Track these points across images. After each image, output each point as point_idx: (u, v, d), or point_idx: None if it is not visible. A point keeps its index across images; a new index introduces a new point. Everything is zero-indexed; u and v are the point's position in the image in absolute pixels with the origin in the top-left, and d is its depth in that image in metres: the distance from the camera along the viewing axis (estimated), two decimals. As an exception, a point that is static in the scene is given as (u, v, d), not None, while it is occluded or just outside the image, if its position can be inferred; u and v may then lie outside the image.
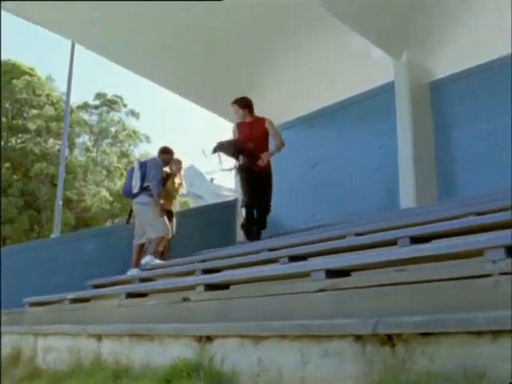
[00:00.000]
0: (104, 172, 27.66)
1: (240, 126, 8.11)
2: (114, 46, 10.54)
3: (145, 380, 3.47)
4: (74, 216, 25.30)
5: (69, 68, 16.64)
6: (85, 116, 29.33)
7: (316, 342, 2.75)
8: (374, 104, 9.44)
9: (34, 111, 26.42)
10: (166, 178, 8.90)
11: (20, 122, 26.27)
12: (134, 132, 29.92)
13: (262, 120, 8.06)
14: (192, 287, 4.91)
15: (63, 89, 23.85)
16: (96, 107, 29.46)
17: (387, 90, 9.02)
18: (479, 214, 4.82)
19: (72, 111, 27.11)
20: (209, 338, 3.40)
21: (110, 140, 29.81)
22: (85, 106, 29.16)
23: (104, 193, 26.30)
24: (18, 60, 27.14)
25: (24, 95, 26.47)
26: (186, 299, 4.87)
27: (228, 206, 11.60)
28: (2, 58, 23.96)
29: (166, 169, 8.97)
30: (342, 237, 5.72)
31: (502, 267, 2.87)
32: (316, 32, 9.45)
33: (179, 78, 11.09)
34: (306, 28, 9.41)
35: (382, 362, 2.46)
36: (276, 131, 8.15)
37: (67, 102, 17.46)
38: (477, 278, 2.94)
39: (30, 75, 26.83)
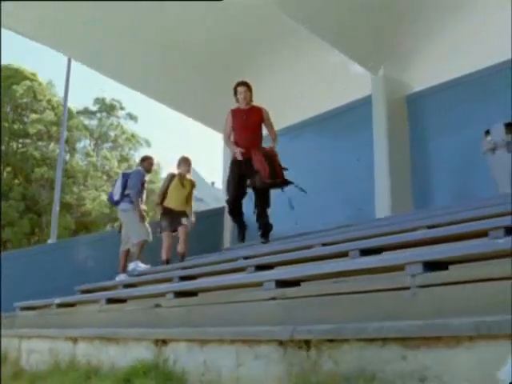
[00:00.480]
0: (104, 177, 28.07)
1: (235, 114, 7.72)
2: (110, 63, 10.98)
3: (107, 381, 3.84)
4: (75, 220, 25.73)
5: (66, 73, 17.02)
6: (85, 121, 29.73)
7: (248, 346, 3.12)
8: (353, 117, 9.83)
9: (35, 116, 26.84)
10: (170, 180, 9.22)
11: (21, 126, 26.67)
12: (133, 136, 30.32)
13: (258, 109, 7.71)
14: (163, 294, 5.30)
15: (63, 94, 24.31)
16: (95, 112, 29.87)
17: (365, 103, 9.39)
18: (430, 227, 5.19)
19: (73, 116, 27.57)
20: (164, 342, 3.78)
21: (110, 144, 30.20)
22: (85, 112, 29.56)
23: (104, 197, 26.68)
24: (21, 66, 27.59)
25: (25, 100, 26.90)
26: (157, 305, 5.25)
27: (216, 214, 12.00)
28: (4, 62, 24.43)
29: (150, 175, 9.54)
30: (310, 247, 6.11)
31: (420, 281, 3.25)
32: (300, 50, 9.86)
33: (171, 90, 11.52)
34: (292, 46, 9.82)
35: (299, 365, 2.83)
36: (271, 123, 7.81)
37: (65, 106, 17.84)
38: (399, 290, 3.33)
39: (31, 80, 27.27)
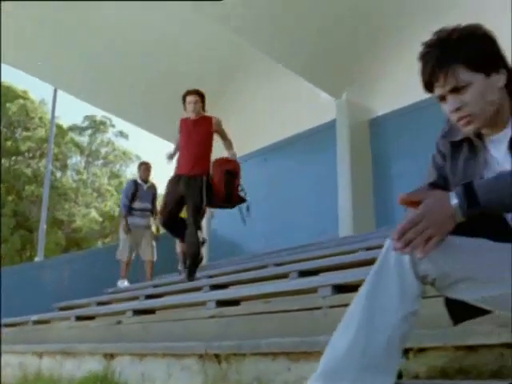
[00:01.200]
0: (94, 194, 28.57)
1: (183, 124, 6.94)
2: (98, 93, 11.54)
3: (63, 391, 4.34)
4: (65, 236, 26.21)
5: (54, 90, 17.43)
6: (76, 138, 30.23)
7: (176, 359, 3.62)
8: (319, 140, 10.35)
9: (26, 133, 27.38)
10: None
11: (13, 144, 27.19)
12: (125, 153, 30.84)
13: (207, 119, 6.85)
14: (124, 312, 5.80)
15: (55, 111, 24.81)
16: (84, 129, 30.36)
17: (330, 127, 9.91)
18: (368, 249, 5.71)
19: (64, 133, 28.10)
20: (112, 356, 4.27)
21: (101, 161, 30.72)
22: (74, 128, 30.04)
23: (94, 213, 27.20)
24: (12, 84, 28.13)
25: (17, 118, 27.44)
26: (119, 322, 5.75)
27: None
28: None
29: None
30: (264, 266, 6.65)
31: (330, 302, 3.75)
32: (268, 76, 10.43)
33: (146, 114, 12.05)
34: (260, 73, 10.38)
35: (213, 375, 3.33)
36: (224, 132, 6.94)
37: (52, 122, 18.14)
38: (313, 309, 3.84)
39: (24, 98, 27.82)
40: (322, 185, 10.11)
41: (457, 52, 1.78)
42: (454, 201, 1.61)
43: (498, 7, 7.86)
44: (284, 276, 5.33)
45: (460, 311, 1.91)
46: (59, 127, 27.88)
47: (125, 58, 10.57)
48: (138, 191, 9.38)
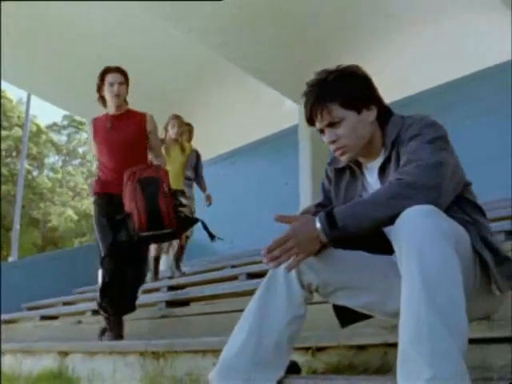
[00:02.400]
0: (70, 193, 28.72)
1: (97, 124, 4.74)
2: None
3: (20, 386, 4.64)
4: (42, 236, 26.37)
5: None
6: (55, 137, 30.36)
7: (122, 356, 3.93)
8: (283, 144, 10.69)
9: (4, 133, 27.47)
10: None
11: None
12: (101, 153, 30.94)
13: (139, 115, 4.77)
14: (84, 312, 6.11)
15: (33, 111, 25.06)
16: (64, 127, 30.49)
17: (293, 131, 10.22)
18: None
19: (41, 132, 28.22)
20: (66, 353, 4.58)
21: (78, 160, 30.87)
22: (53, 127, 30.17)
23: (70, 212, 27.36)
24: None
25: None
26: (79, 322, 6.05)
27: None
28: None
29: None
30: (221, 268, 6.97)
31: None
32: (234, 83, 10.74)
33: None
34: (227, 80, 10.67)
35: (152, 371, 3.65)
36: (157, 136, 4.93)
37: (26, 121, 18.30)
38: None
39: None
40: (286, 188, 10.44)
41: (332, 92, 2.07)
42: (318, 225, 1.88)
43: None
44: (235, 278, 5.65)
45: (347, 315, 2.24)
46: (37, 126, 28.05)
47: (98, 64, 10.76)
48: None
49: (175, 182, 5.97)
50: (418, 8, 8.69)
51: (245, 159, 11.63)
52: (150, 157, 4.92)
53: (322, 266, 2.02)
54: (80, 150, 30.89)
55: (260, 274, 5.52)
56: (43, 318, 6.90)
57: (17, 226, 15.43)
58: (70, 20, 9.59)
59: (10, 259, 14.58)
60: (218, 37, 8.63)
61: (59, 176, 29.16)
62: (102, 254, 4.58)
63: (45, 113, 59.74)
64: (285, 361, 2.08)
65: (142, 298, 6.00)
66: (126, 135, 4.64)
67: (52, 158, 30.20)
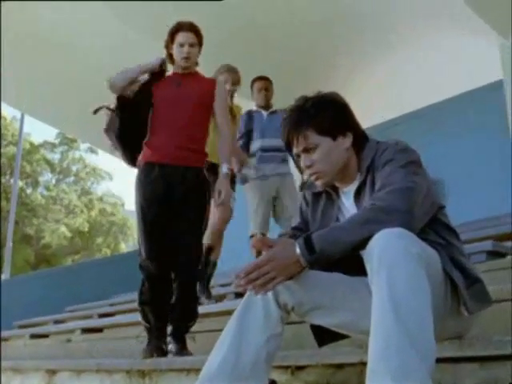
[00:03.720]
0: (63, 210, 28.70)
1: (167, 78, 3.96)
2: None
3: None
4: (35, 253, 26.34)
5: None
6: (48, 155, 30.38)
7: (108, 374, 3.98)
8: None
9: (-2, 150, 27.53)
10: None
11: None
12: (94, 169, 31.02)
13: (208, 80, 4.08)
14: (73, 331, 6.15)
15: (27, 129, 25.14)
16: (55, 145, 30.48)
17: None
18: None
19: (35, 150, 28.28)
20: (53, 372, 4.62)
21: (72, 178, 30.88)
22: (45, 145, 30.18)
23: (63, 229, 27.34)
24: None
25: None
26: (68, 340, 6.09)
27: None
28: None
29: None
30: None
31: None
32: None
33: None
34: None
35: (138, 388, 3.71)
36: (225, 109, 4.07)
37: (20, 139, 18.32)
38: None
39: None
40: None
41: (308, 119, 2.14)
42: (297, 250, 1.92)
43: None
44: (223, 297, 5.70)
45: (324, 335, 2.30)
46: (30, 144, 28.11)
47: (90, 83, 10.83)
48: (255, 124, 5.70)
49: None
50: (406, 31, 8.84)
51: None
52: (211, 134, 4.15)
53: (298, 286, 2.08)
54: (74, 168, 30.92)
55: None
56: (33, 336, 6.93)
57: (9, 244, 15.41)
58: (63, 39, 9.68)
59: (3, 276, 14.56)
60: None
61: (53, 193, 29.16)
62: (143, 254, 3.73)
63: (38, 129, 59.77)
64: (263, 379, 2.11)
65: (129, 316, 6.06)
66: (194, 94, 3.88)
67: (46, 176, 30.23)
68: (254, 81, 5.81)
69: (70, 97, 11.06)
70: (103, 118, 3.97)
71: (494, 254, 4.32)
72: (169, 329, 3.77)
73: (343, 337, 2.30)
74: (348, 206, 2.25)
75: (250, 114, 5.71)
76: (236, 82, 5.25)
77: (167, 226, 3.70)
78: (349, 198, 2.24)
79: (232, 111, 4.98)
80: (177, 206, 3.68)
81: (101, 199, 30.92)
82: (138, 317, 5.26)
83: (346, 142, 2.17)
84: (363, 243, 1.85)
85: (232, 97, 5.25)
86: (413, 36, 9.06)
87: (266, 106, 5.74)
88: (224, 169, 3.83)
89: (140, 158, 3.81)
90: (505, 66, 8.30)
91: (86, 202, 29.70)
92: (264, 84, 5.74)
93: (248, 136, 5.65)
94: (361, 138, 2.22)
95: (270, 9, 8.37)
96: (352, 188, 2.21)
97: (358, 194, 2.17)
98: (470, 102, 8.71)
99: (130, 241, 30.96)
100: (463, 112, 8.74)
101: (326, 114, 2.16)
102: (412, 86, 9.53)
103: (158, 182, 3.67)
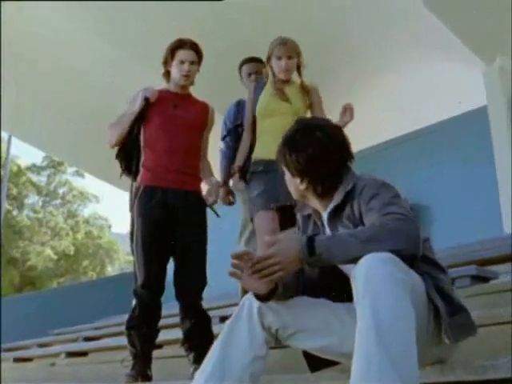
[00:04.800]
0: (49, 233, 28.56)
1: (162, 98, 3.84)
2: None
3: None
4: (20, 275, 26.13)
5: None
6: (34, 178, 30.24)
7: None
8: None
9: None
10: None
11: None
12: (81, 193, 30.90)
13: (202, 104, 4.00)
14: (58, 354, 6.11)
15: (14, 151, 25.08)
16: (43, 169, 30.36)
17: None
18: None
19: (22, 173, 28.18)
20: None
21: (58, 201, 30.74)
22: (32, 168, 30.06)
23: (48, 251, 27.19)
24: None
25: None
26: (52, 364, 6.05)
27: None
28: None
29: None
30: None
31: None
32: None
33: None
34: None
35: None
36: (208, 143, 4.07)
37: (7, 162, 18.19)
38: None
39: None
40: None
41: (280, 152, 2.34)
42: (299, 247, 1.94)
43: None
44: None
45: (316, 361, 2.32)
46: (17, 167, 28.02)
47: (79, 108, 10.87)
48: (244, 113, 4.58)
49: None
50: (394, 58, 8.96)
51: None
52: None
53: (283, 309, 2.13)
54: (60, 191, 30.80)
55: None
56: (17, 359, 6.87)
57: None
58: (52, 62, 9.72)
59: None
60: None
61: (39, 215, 29.01)
62: (139, 281, 3.63)
63: (26, 152, 59.73)
64: None
65: (115, 340, 6.03)
66: (190, 118, 3.85)
67: (32, 199, 30.09)
68: (241, 64, 4.67)
69: (58, 120, 11.08)
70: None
71: (478, 279, 4.34)
72: (190, 356, 3.68)
73: (335, 363, 2.32)
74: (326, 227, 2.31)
75: (239, 104, 4.64)
76: (295, 51, 3.99)
77: (168, 251, 3.69)
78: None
79: (303, 87, 4.05)
80: (179, 230, 3.67)
81: (87, 222, 30.75)
82: (123, 341, 5.27)
83: (301, 185, 2.28)
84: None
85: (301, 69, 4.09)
86: (400, 62, 9.18)
87: None
88: (213, 180, 3.91)
89: (138, 180, 3.77)
90: (489, 92, 8.45)
91: (72, 224, 29.54)
92: (255, 67, 4.58)
93: (236, 132, 4.51)
94: (330, 179, 2.25)
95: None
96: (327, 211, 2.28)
97: (333, 217, 2.23)
98: (456, 128, 8.81)
99: (116, 264, 30.80)
100: (449, 137, 8.84)
101: (296, 156, 2.25)
102: (399, 112, 9.63)
103: (160, 207, 3.64)
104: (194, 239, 3.69)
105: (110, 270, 29.77)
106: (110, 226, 32.23)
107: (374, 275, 1.78)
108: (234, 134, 4.51)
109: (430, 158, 8.77)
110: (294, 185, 2.30)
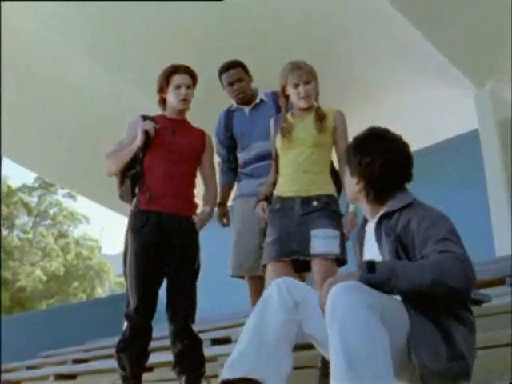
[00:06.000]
0: (39, 253, 28.39)
1: (160, 123, 3.89)
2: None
3: None
4: (9, 295, 25.89)
5: None
6: (25, 198, 30.11)
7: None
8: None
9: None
10: None
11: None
12: (72, 214, 30.76)
13: (197, 130, 4.05)
14: (47, 377, 6.04)
15: (5, 172, 24.99)
16: (34, 189, 30.24)
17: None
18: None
19: (12, 193, 28.10)
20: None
21: (49, 221, 30.60)
22: (23, 189, 29.94)
23: (38, 272, 27.01)
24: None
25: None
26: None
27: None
28: None
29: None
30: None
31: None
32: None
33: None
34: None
35: None
36: (212, 163, 4.13)
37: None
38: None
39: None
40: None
41: (351, 149, 2.49)
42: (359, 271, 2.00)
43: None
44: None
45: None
46: (8, 187, 27.94)
47: (70, 128, 10.85)
48: (236, 127, 4.39)
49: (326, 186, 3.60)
50: (386, 82, 9.01)
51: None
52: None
53: (304, 289, 2.31)
54: (51, 212, 30.67)
55: (226, 340, 5.52)
56: (5, 382, 6.78)
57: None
58: (44, 85, 9.72)
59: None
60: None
61: (30, 236, 28.86)
62: (131, 305, 3.62)
63: (17, 172, 59.70)
64: (287, 358, 2.22)
65: (104, 363, 5.97)
66: (187, 145, 3.89)
67: (22, 219, 29.92)
68: (220, 73, 4.39)
69: (50, 141, 11.07)
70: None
71: (472, 302, 4.31)
72: (182, 380, 3.67)
73: None
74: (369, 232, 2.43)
75: (228, 112, 4.46)
76: (311, 76, 3.65)
77: (161, 275, 3.72)
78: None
79: (320, 114, 3.69)
80: (173, 254, 3.70)
81: (77, 243, 30.59)
82: (112, 363, 5.23)
83: (356, 185, 2.41)
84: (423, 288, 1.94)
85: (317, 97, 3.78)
86: (393, 87, 9.22)
87: (247, 101, 4.37)
88: (207, 209, 3.92)
89: (134, 204, 3.77)
90: (480, 116, 8.51)
91: (62, 245, 29.37)
92: (233, 75, 4.32)
93: (231, 143, 4.38)
94: (384, 190, 2.37)
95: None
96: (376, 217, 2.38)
97: (379, 225, 2.32)
98: (449, 150, 8.85)
99: (107, 285, 30.60)
100: (442, 160, 8.88)
101: (360, 157, 2.38)
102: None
103: (155, 231, 3.67)
104: (187, 263, 3.72)
105: (100, 292, 29.56)
106: (100, 248, 32.11)
107: (339, 302, 1.85)
108: (228, 146, 4.41)
109: (423, 180, 8.75)
110: (351, 184, 2.44)
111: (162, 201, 3.73)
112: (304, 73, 3.55)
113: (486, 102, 8.50)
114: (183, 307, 3.68)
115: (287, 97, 3.64)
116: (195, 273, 3.76)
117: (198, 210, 3.94)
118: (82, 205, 70.75)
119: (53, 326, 11.91)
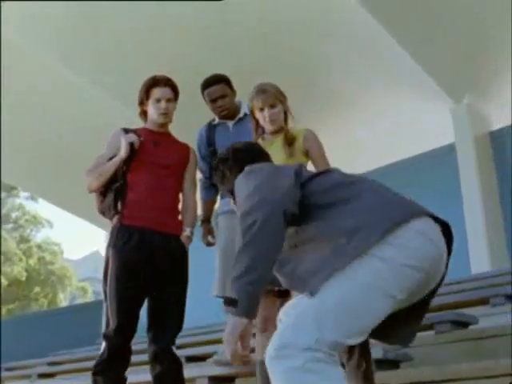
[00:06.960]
0: (1, 258, 27.81)
1: (143, 136, 3.71)
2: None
3: None
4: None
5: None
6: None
7: None
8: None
9: None
10: None
11: None
12: (35, 217, 30.29)
13: (181, 144, 3.87)
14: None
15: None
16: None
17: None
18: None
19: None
20: None
21: (11, 225, 30.07)
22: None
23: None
24: None
25: None
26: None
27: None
28: None
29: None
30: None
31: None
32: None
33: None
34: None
35: None
36: (195, 178, 3.96)
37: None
38: None
39: None
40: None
41: None
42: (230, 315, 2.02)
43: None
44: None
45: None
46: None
47: (39, 133, 10.65)
48: (219, 141, 4.28)
49: None
50: (358, 91, 8.99)
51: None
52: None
53: None
54: (13, 215, 30.15)
55: (201, 357, 5.35)
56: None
57: None
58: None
59: None
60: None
61: (-10, 240, 28.29)
62: (111, 325, 3.41)
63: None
64: None
65: (73, 379, 5.75)
66: (169, 157, 3.71)
67: (-17, 223, 29.30)
68: (202, 89, 4.29)
69: (12, 144, 10.83)
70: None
71: (458, 324, 4.24)
72: None
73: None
74: None
75: (210, 126, 4.37)
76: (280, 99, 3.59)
77: (143, 294, 3.51)
78: None
79: (288, 136, 3.56)
80: (157, 273, 3.48)
81: (40, 247, 30.04)
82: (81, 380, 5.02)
83: None
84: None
85: (287, 119, 3.64)
86: (370, 100, 9.20)
87: (230, 116, 4.27)
88: (187, 232, 3.67)
89: (117, 219, 3.55)
90: (456, 130, 8.51)
91: (24, 249, 28.82)
92: (216, 91, 4.23)
93: (213, 158, 3.91)
94: None
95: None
96: None
97: None
98: (426, 164, 8.83)
99: (68, 291, 30.12)
100: (418, 173, 8.85)
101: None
102: (369, 148, 9.63)
103: (138, 248, 3.46)
104: (176, 283, 3.54)
105: (62, 298, 29.07)
106: (62, 252, 31.58)
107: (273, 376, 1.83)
108: (210, 162, 4.07)
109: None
110: None
111: (146, 215, 3.53)
112: (268, 96, 3.46)
113: (463, 116, 8.51)
114: (169, 329, 3.49)
115: (257, 120, 3.54)
116: (184, 293, 3.57)
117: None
118: (44, 208, 69.85)
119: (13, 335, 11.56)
